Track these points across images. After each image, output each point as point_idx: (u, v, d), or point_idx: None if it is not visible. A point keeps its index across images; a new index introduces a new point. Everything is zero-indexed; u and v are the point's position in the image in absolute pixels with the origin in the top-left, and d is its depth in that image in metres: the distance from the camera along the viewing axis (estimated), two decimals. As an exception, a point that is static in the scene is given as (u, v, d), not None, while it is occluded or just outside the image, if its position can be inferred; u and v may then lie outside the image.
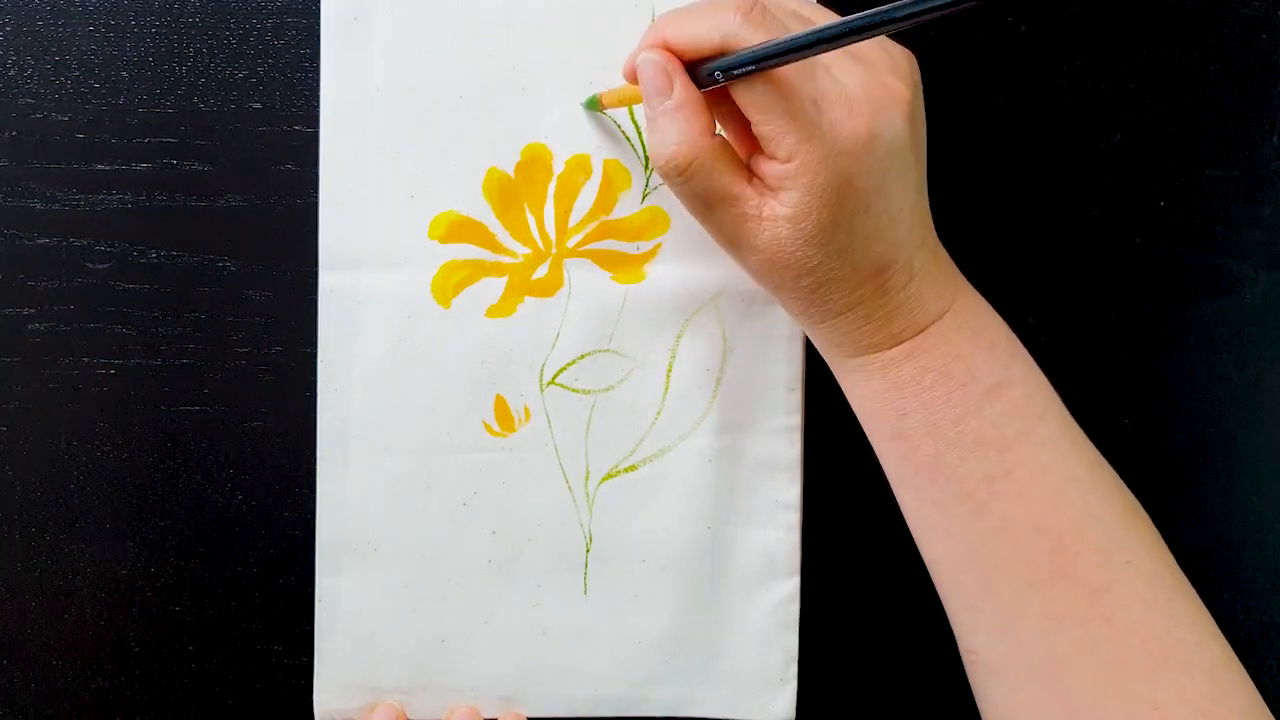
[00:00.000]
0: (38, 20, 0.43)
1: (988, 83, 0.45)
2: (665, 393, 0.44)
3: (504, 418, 0.43)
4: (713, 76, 0.34)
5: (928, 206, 0.37)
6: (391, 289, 0.43)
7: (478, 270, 0.43)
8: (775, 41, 0.32)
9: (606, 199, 0.43)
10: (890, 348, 0.36)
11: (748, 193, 0.35)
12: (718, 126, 0.36)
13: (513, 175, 0.43)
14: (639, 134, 0.43)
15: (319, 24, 0.43)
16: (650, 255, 0.43)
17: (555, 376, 0.43)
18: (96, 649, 0.44)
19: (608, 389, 0.44)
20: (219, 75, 0.43)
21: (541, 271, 0.43)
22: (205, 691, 0.44)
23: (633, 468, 0.44)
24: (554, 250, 0.43)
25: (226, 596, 0.44)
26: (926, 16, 0.29)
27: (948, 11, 0.28)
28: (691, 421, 0.43)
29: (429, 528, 0.43)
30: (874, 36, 0.31)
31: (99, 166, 0.43)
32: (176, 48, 0.43)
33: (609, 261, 0.43)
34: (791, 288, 0.36)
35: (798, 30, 0.33)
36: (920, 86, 0.37)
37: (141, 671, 0.44)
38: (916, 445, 0.36)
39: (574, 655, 0.44)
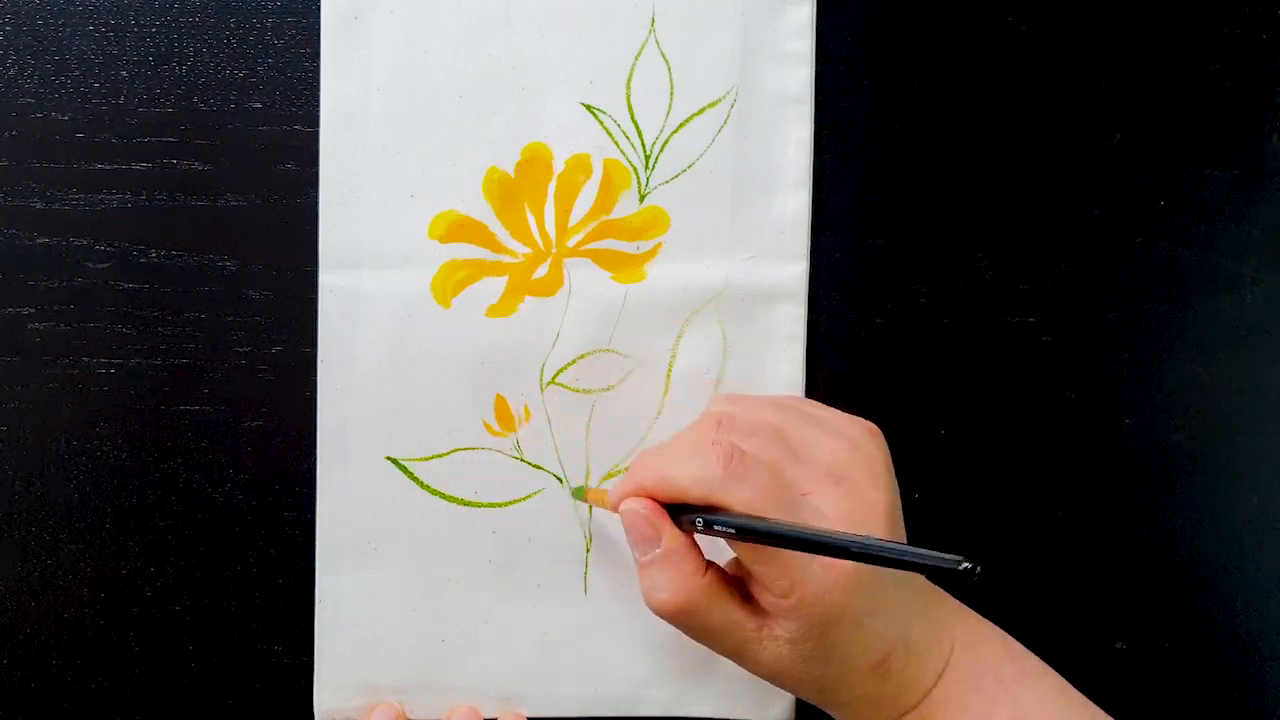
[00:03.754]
0: (38, 20, 0.43)
1: (988, 83, 0.45)
2: (665, 393, 0.44)
3: (504, 417, 0.43)
4: (695, 525, 0.35)
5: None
6: (391, 289, 0.43)
7: (478, 270, 0.43)
8: (758, 525, 0.33)
9: (606, 199, 0.43)
10: (902, 718, 0.37)
11: (745, 620, 0.36)
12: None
13: (513, 175, 0.43)
14: (639, 133, 0.43)
15: (319, 24, 0.43)
16: (650, 255, 0.43)
17: (555, 376, 0.43)
18: (96, 649, 0.44)
19: (608, 389, 0.44)
20: (219, 75, 0.43)
21: (541, 271, 0.43)
22: (205, 691, 0.44)
23: (633, 468, 0.44)
24: (554, 250, 0.43)
25: (226, 596, 0.44)
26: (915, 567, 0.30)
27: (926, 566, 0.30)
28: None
29: (429, 528, 0.43)
30: (865, 563, 0.32)
31: (99, 166, 0.43)
32: (176, 48, 0.43)
33: (609, 261, 0.43)
34: (798, 690, 0.37)
35: (787, 468, 0.35)
36: (890, 462, 0.38)
37: (141, 671, 0.44)
38: None
39: (574, 655, 0.44)
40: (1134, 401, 0.45)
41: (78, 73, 0.43)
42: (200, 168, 0.43)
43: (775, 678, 0.37)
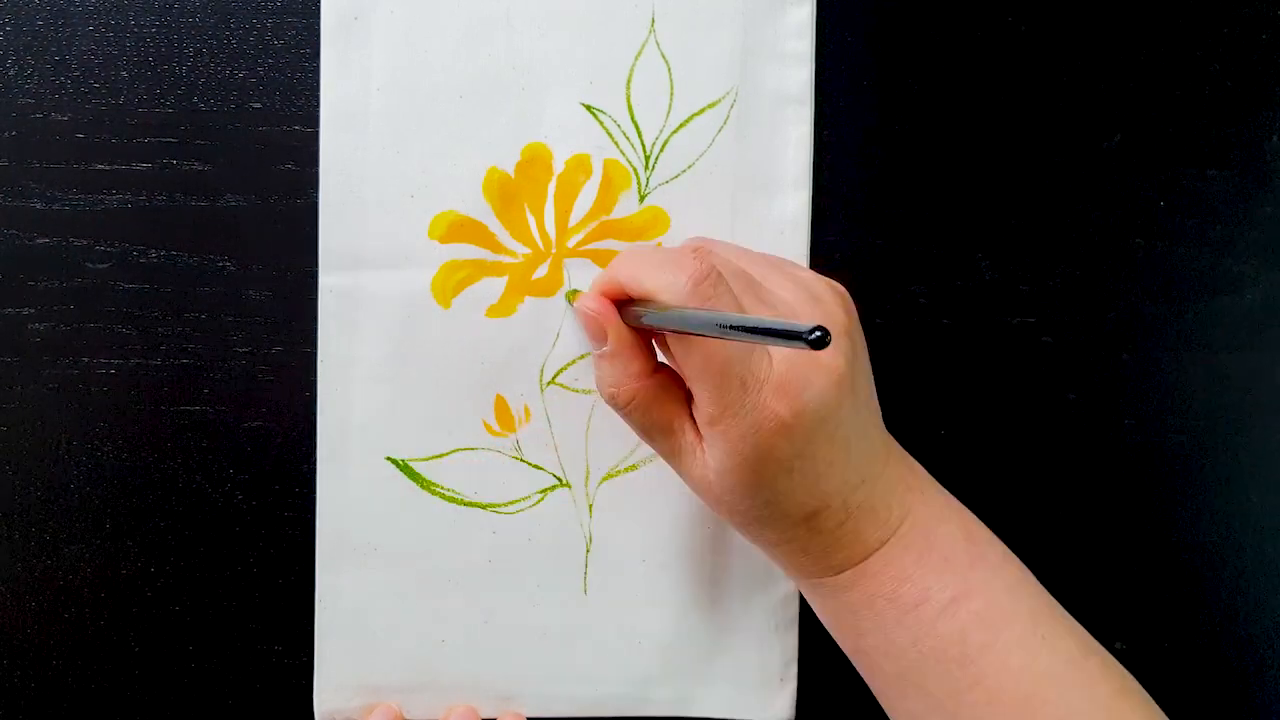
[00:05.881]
0: (38, 20, 0.43)
1: (988, 83, 0.45)
2: (665, 393, 0.44)
3: (504, 417, 0.43)
4: (638, 320, 0.36)
5: (877, 439, 0.38)
6: (391, 289, 0.43)
7: (478, 270, 0.43)
8: (687, 315, 0.33)
9: (606, 199, 0.43)
10: (833, 575, 0.37)
11: (685, 429, 0.36)
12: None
13: (513, 175, 0.43)
14: (639, 133, 0.43)
15: (319, 24, 0.43)
16: (650, 255, 0.43)
17: (555, 376, 0.43)
18: (96, 649, 0.44)
19: (608, 389, 0.44)
20: (219, 75, 0.43)
21: (541, 271, 0.43)
22: (205, 691, 0.44)
23: (633, 467, 0.44)
24: (554, 250, 0.43)
25: (226, 596, 0.44)
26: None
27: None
28: None
29: (429, 528, 0.43)
30: (780, 345, 0.32)
31: (99, 166, 0.43)
32: (176, 48, 0.43)
33: (609, 261, 0.43)
34: (725, 516, 0.37)
35: (750, 306, 0.35)
36: (851, 326, 0.37)
37: (141, 671, 0.44)
38: (879, 663, 0.37)
39: (574, 655, 0.44)
40: (1134, 401, 0.45)
41: (78, 73, 0.43)
42: (200, 168, 0.43)
43: (701, 495, 0.37)
